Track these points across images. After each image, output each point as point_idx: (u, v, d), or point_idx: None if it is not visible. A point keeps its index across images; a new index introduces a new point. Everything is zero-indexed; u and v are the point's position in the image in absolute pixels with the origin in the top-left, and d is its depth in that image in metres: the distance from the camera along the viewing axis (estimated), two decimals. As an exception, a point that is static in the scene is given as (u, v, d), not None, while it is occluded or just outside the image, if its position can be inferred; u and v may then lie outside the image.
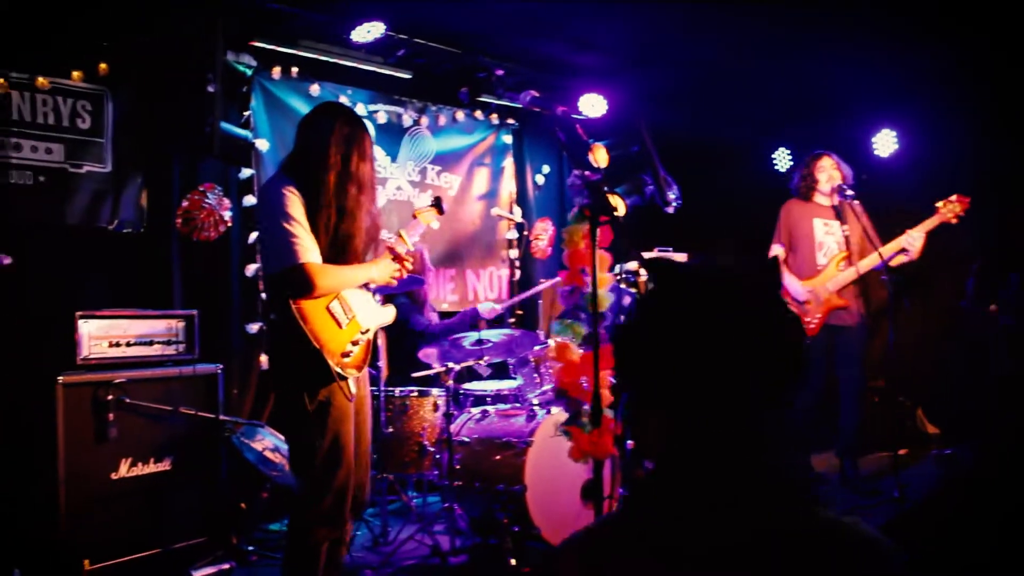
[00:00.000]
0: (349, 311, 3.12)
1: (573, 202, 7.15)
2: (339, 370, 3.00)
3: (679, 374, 1.11)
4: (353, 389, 3.08)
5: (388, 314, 3.40)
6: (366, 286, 3.29)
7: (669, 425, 1.13)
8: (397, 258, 3.30)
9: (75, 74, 4.45)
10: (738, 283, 1.14)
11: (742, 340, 1.10)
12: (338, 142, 3.05)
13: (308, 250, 2.92)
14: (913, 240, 5.08)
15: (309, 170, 3.02)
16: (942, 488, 4.26)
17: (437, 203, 3.70)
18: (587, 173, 2.46)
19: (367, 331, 3.20)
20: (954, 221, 5.15)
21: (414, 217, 3.62)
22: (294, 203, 2.95)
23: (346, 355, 3.06)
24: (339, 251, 3.06)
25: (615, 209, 2.43)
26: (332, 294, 3.06)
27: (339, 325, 3.07)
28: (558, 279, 4.73)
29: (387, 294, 4.62)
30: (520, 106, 6.34)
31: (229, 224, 4.92)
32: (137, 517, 3.88)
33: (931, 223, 5.12)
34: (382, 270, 3.26)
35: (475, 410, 4.67)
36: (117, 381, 3.84)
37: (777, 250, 5.64)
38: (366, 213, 3.13)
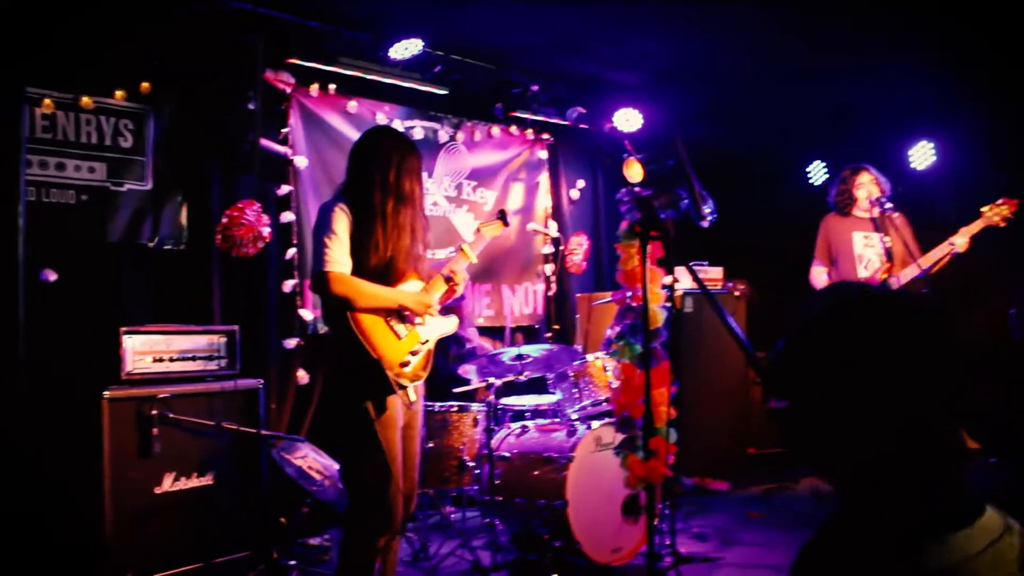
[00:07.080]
0: (410, 323, 3.23)
1: (610, 216, 7.21)
2: (398, 380, 3.10)
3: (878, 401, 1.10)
4: (412, 397, 3.19)
5: (450, 324, 3.47)
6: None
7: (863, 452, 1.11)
8: (449, 282, 3.38)
9: (118, 93, 4.50)
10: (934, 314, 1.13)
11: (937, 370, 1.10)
12: (384, 163, 3.20)
13: (335, 261, 3.06)
14: (956, 246, 5.03)
15: (360, 191, 3.19)
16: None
17: (502, 216, 3.83)
18: (636, 189, 2.44)
19: (427, 341, 3.30)
20: (1002, 224, 5.04)
21: (478, 232, 3.73)
22: (340, 219, 3.11)
23: (404, 365, 3.16)
24: (385, 268, 3.17)
25: (665, 226, 2.41)
26: (391, 308, 3.16)
27: (398, 336, 3.18)
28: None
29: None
30: (555, 121, 6.46)
31: (267, 240, 4.95)
32: (180, 531, 3.89)
33: (976, 227, 5.04)
34: (416, 301, 3.27)
35: (514, 425, 4.64)
36: (161, 396, 3.87)
37: (819, 269, 5.56)
38: (410, 231, 3.23)
